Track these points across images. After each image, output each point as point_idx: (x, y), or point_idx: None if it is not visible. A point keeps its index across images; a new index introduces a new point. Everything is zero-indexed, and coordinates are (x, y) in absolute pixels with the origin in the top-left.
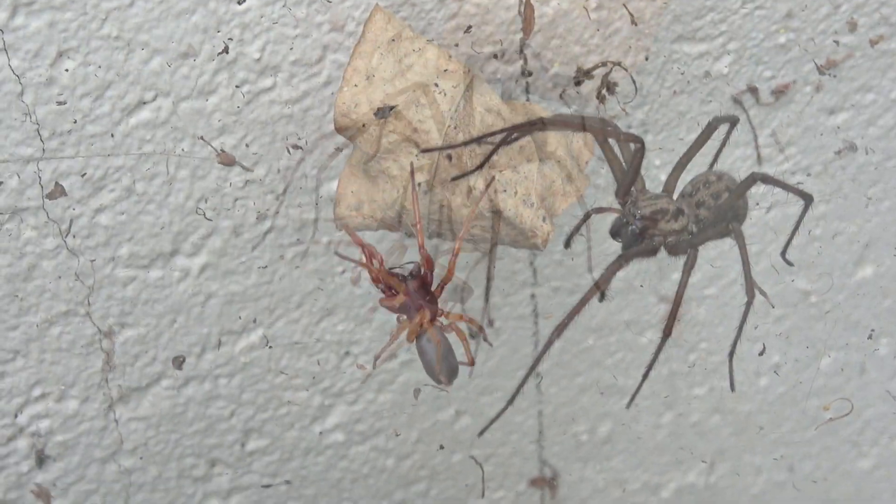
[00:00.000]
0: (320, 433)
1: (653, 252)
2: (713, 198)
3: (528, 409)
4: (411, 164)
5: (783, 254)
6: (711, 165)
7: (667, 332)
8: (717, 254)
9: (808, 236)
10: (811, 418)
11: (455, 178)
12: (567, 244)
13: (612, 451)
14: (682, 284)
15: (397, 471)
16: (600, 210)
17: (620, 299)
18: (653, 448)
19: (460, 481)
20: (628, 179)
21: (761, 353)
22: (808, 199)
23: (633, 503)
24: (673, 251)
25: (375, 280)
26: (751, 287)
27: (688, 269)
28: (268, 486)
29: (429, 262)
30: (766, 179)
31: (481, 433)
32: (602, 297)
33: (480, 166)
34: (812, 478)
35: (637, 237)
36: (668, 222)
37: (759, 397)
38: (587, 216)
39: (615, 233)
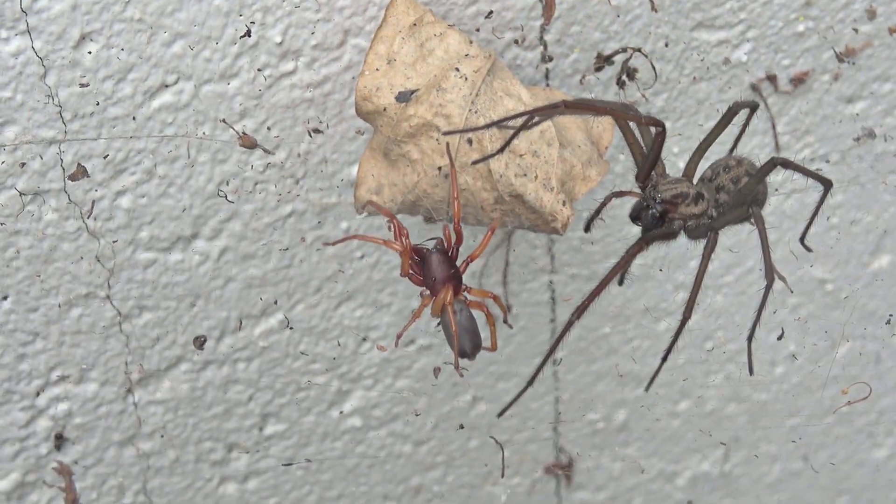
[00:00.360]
0: (341, 412)
1: (672, 236)
2: (733, 182)
3: (545, 396)
4: (447, 143)
5: (802, 239)
6: (731, 151)
7: (686, 316)
8: (734, 242)
9: (826, 225)
10: (827, 407)
11: (476, 162)
12: (587, 228)
13: (628, 438)
14: (703, 268)
15: (414, 456)
16: (621, 194)
17: (638, 287)
18: (669, 436)
19: (477, 467)
20: (648, 163)
21: (780, 338)
22: (827, 185)
23: (649, 491)
24: (693, 235)
25: (402, 253)
26: (770, 270)
27: (708, 253)
28: (289, 465)
29: (459, 238)
30: (787, 164)
31: (500, 414)
32: (621, 281)
33: (501, 150)
34: (827, 467)
35: (657, 221)
36: (688, 206)
37: (774, 386)
38: (608, 199)
39: (635, 217)
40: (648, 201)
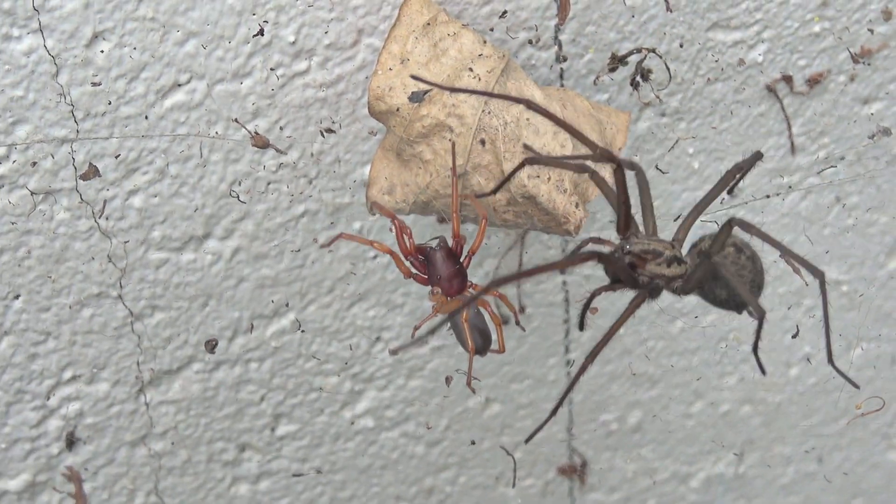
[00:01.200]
0: (352, 422)
1: (646, 290)
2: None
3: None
4: (452, 143)
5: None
6: (730, 190)
7: (588, 362)
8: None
9: (842, 226)
10: (841, 410)
11: (480, 196)
12: (581, 326)
13: (642, 440)
14: (620, 320)
15: (427, 457)
16: (599, 241)
17: None
18: (682, 437)
19: (490, 469)
20: (622, 211)
21: (794, 336)
22: (819, 276)
23: (663, 492)
24: (654, 295)
25: (405, 253)
26: (757, 307)
27: (633, 307)
28: (298, 476)
29: (461, 240)
30: (746, 226)
31: (528, 440)
32: (581, 326)
33: (494, 191)
34: (842, 469)
35: (622, 271)
36: (658, 265)
37: (789, 388)
38: (584, 244)
39: (606, 265)
40: (618, 250)
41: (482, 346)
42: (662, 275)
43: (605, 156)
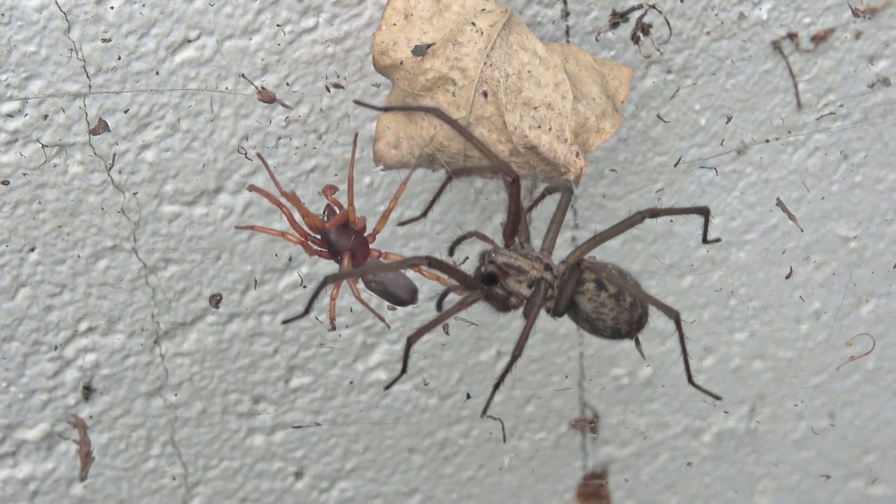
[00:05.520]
0: (349, 381)
1: (502, 306)
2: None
3: (569, 352)
4: (356, 135)
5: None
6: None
7: (516, 353)
8: (757, 199)
9: (850, 182)
10: (852, 365)
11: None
12: (450, 252)
13: (653, 394)
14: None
15: (439, 410)
16: (483, 237)
17: (661, 243)
18: (693, 392)
19: (503, 420)
20: (510, 220)
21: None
22: (704, 213)
23: (675, 446)
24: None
25: (303, 235)
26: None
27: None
28: (298, 427)
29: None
30: (656, 213)
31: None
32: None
33: (424, 214)
34: (853, 425)
35: (483, 278)
36: (518, 283)
37: (800, 343)
38: (468, 235)
39: (478, 266)
40: (487, 256)
41: (409, 295)
42: (519, 293)
43: (503, 169)
